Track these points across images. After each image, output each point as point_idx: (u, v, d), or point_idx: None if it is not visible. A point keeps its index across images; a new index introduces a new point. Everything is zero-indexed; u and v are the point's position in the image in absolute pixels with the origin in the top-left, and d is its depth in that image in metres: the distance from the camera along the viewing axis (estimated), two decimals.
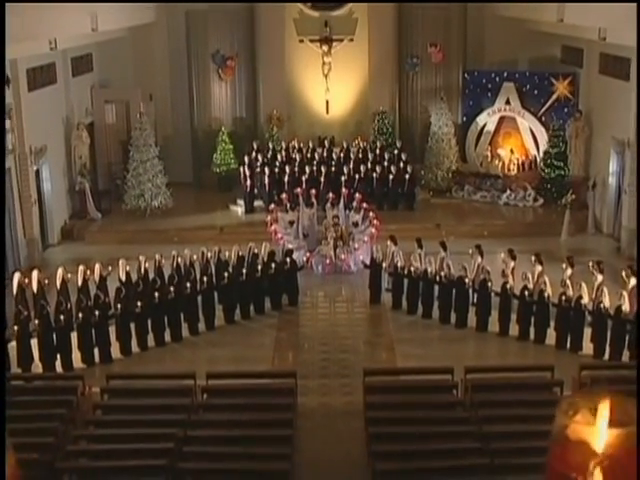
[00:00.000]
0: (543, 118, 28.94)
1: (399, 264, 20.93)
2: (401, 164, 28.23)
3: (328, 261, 23.19)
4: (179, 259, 20.68)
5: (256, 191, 27.93)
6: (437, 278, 20.22)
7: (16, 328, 17.61)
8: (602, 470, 1.33)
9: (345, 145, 29.51)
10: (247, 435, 13.63)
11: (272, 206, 25.33)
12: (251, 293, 20.49)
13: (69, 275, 19.84)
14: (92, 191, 27.71)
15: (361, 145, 29.56)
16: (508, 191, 28.55)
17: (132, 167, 27.22)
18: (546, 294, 18.84)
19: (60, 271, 19.87)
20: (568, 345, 18.34)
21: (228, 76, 30.64)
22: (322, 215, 24.33)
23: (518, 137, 29.68)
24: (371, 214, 24.12)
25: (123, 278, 19.85)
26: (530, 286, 19.14)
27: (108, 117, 29.51)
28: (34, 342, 17.69)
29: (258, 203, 27.71)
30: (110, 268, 20.23)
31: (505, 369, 16.62)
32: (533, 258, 20.17)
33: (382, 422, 14.29)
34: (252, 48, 30.72)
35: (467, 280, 19.86)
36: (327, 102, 30.54)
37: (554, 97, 28.72)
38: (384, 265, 21.38)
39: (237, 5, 30.05)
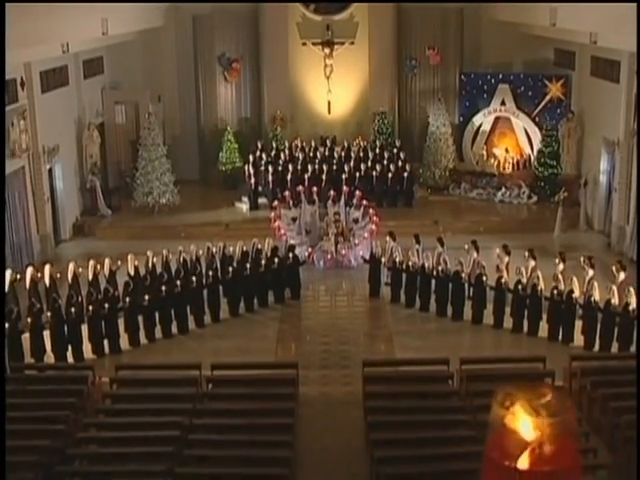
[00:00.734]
0: (537, 118, 28.91)
1: (397, 259, 20.94)
2: (400, 163, 28.21)
3: (329, 256, 23.20)
4: (185, 254, 20.72)
5: (260, 189, 27.92)
6: (434, 273, 20.23)
7: (29, 320, 17.64)
8: (533, 456, 1.36)
9: (346, 144, 29.51)
10: (250, 423, 13.64)
11: (275, 203, 25.30)
12: (255, 287, 20.50)
13: (80, 269, 19.89)
14: (102, 189, 27.73)
15: (361, 144, 29.56)
16: (503, 189, 28.54)
17: (141, 166, 27.22)
18: (539, 288, 18.85)
19: (71, 266, 19.92)
20: (560, 337, 18.35)
21: (233, 78, 30.64)
22: (324, 212, 24.33)
23: (513, 137, 29.65)
24: (371, 211, 24.14)
25: (132, 272, 19.91)
26: (524, 280, 19.14)
27: (118, 117, 29.50)
28: (46, 334, 17.71)
29: (262, 200, 27.69)
30: (119, 263, 20.27)
31: (499, 360, 16.61)
32: (527, 253, 20.19)
33: (380, 411, 14.30)
34: (257, 51, 30.70)
35: (463, 274, 19.88)
36: (329, 103, 30.53)
37: (547, 98, 28.68)
38: (383, 260, 21.40)
39: (242, 10, 30.06)
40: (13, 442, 13.05)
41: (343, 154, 29.00)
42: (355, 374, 16.14)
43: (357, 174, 27.66)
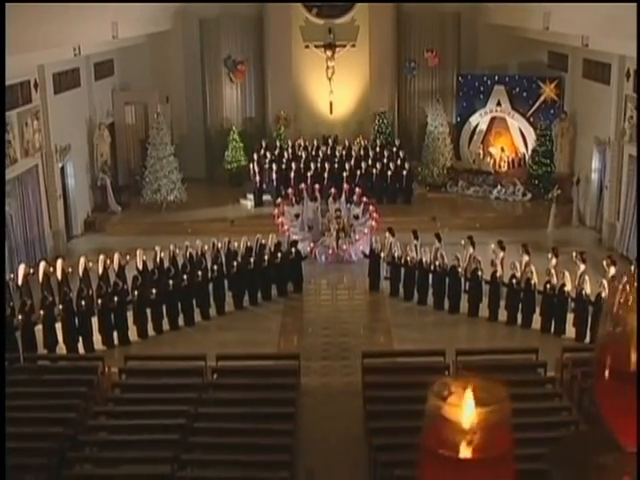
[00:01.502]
0: (531, 119, 28.88)
1: (396, 254, 20.96)
2: (399, 161, 28.19)
3: (331, 251, 23.22)
4: (191, 249, 20.76)
5: (264, 186, 27.92)
6: (432, 267, 20.24)
7: (42, 313, 17.69)
8: (470, 444, 1.39)
9: (347, 143, 29.47)
10: (253, 412, 13.69)
11: (279, 200, 25.34)
12: (259, 281, 20.53)
13: (90, 264, 19.92)
14: (113, 186, 27.75)
15: (362, 143, 29.52)
16: (499, 186, 28.52)
17: (150, 164, 27.23)
18: (532, 282, 18.87)
19: (82, 260, 19.97)
20: (552, 329, 18.38)
21: (239, 79, 30.65)
22: (325, 208, 24.36)
23: (508, 136, 29.63)
24: (371, 208, 24.12)
25: (140, 267, 19.94)
26: (518, 275, 19.16)
27: (128, 118, 29.50)
28: (58, 326, 17.77)
29: (266, 197, 27.68)
30: (128, 258, 20.31)
31: (493, 351, 16.65)
32: (521, 249, 20.21)
33: (379, 400, 14.35)
34: (261, 53, 30.67)
35: (459, 269, 19.89)
36: (331, 103, 30.50)
37: (541, 99, 28.66)
38: (382, 255, 21.40)
39: (248, 14, 30.05)
40: (27, 429, 13.17)
41: (344, 153, 28.98)
42: (355, 365, 16.17)
43: (358, 172, 27.63)
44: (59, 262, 19.98)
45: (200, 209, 27.24)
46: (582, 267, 18.94)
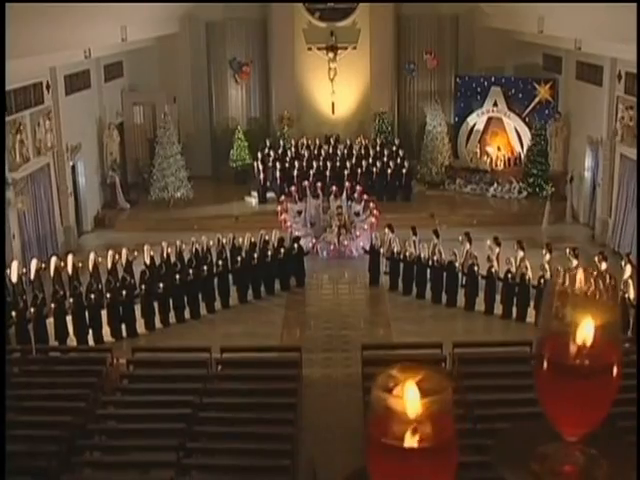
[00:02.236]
0: (527, 119, 28.86)
1: (396, 250, 20.97)
2: (399, 160, 28.19)
3: (332, 247, 23.24)
4: (197, 245, 20.78)
5: (268, 184, 27.93)
6: (430, 262, 20.25)
7: (53, 306, 17.73)
8: (414, 434, 1.42)
9: (349, 142, 29.48)
10: (256, 402, 13.70)
11: (282, 197, 25.35)
12: (262, 275, 20.54)
13: (100, 259, 19.95)
14: (122, 184, 27.78)
15: (363, 143, 29.52)
16: (495, 184, 28.51)
17: (157, 162, 27.24)
18: (527, 277, 18.88)
19: (92, 255, 20.00)
20: None
21: (244, 80, 30.66)
22: (327, 206, 24.34)
23: (504, 136, 29.61)
24: (371, 205, 24.15)
25: (148, 262, 19.96)
26: (513, 270, 19.17)
27: (136, 118, 29.53)
28: (69, 318, 17.82)
29: (270, 195, 27.67)
30: (136, 253, 20.34)
31: (489, 344, 16.64)
32: (516, 245, 20.21)
33: None
34: (265, 55, 30.67)
35: (457, 264, 19.91)
36: (333, 104, 30.48)
37: (536, 100, 28.63)
38: (382, 251, 21.42)
39: (252, 17, 30.05)
40: (38, 418, 13.23)
41: (346, 152, 28.98)
42: (355, 357, 16.16)
43: (359, 170, 27.63)
44: (69, 257, 20.02)
45: (206, 206, 27.25)
46: (575, 262, 18.93)
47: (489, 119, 29.83)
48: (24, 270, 19.12)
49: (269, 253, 20.85)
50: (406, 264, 20.64)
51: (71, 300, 17.97)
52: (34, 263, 19.36)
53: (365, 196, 24.55)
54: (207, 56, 30.59)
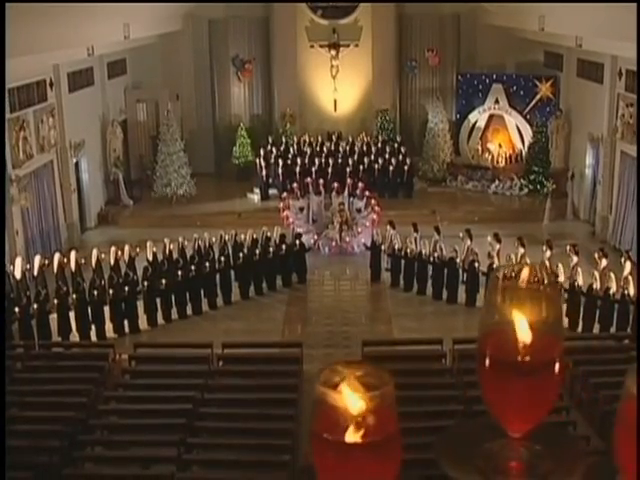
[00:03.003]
0: (528, 116, 28.81)
1: (397, 246, 20.97)
2: (401, 157, 28.18)
3: (334, 243, 23.24)
4: (200, 241, 20.78)
5: (271, 181, 27.93)
6: (431, 259, 20.26)
7: (56, 302, 17.77)
8: (357, 429, 1.42)
9: (351, 139, 29.44)
10: (257, 398, 13.72)
11: (284, 194, 25.35)
12: (264, 272, 20.54)
13: (103, 255, 19.98)
14: (125, 181, 27.79)
15: (365, 139, 29.50)
16: (497, 181, 28.49)
17: (160, 159, 27.25)
18: None
19: (95, 252, 20.02)
20: None
21: (246, 78, 30.64)
22: (329, 202, 24.28)
23: (506, 133, 29.57)
24: (373, 201, 24.10)
25: (150, 258, 19.96)
26: None
27: (139, 115, 29.53)
28: (72, 314, 17.85)
29: (272, 191, 27.66)
30: (138, 249, 20.35)
31: None
32: (516, 242, 20.20)
33: None
34: (268, 53, 30.66)
35: (458, 261, 19.90)
36: (335, 101, 30.47)
37: (538, 97, 28.59)
38: (383, 247, 21.42)
39: (255, 15, 30.02)
40: (41, 413, 13.25)
41: (348, 148, 28.96)
42: (356, 353, 16.13)
43: (361, 167, 27.63)
44: (73, 253, 20.05)
45: (209, 203, 27.25)
46: (575, 259, 18.93)
47: (490, 116, 29.78)
48: (27, 266, 19.15)
49: (271, 249, 20.85)
50: (407, 260, 20.64)
51: (74, 296, 17.99)
52: (37, 259, 19.38)
53: (367, 193, 24.51)
54: (210, 53, 30.58)
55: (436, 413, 13.34)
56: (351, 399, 1.41)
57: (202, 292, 19.38)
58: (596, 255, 19.32)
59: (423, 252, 20.42)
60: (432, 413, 13.29)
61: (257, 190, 28.05)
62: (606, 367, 13.95)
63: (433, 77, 31.00)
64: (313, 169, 27.27)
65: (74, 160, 24.62)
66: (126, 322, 18.23)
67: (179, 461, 11.87)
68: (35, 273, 19.05)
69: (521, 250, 19.76)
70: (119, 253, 19.88)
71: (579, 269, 18.38)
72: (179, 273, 19.11)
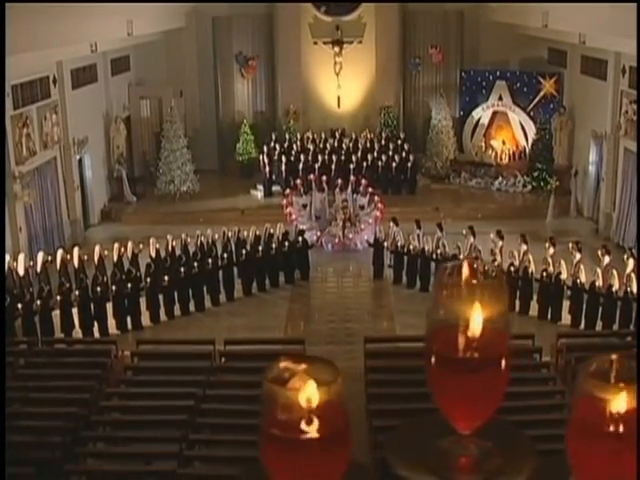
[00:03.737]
0: (531, 113, 28.78)
1: (399, 243, 20.97)
2: (404, 153, 28.15)
3: (337, 240, 23.24)
4: (203, 238, 20.79)
5: (274, 177, 27.93)
6: (433, 256, 20.24)
7: (59, 298, 17.79)
8: (308, 424, 1.43)
9: (354, 136, 29.44)
10: (259, 394, 13.67)
11: (288, 191, 25.36)
12: (267, 268, 20.54)
13: (105, 252, 20.01)
14: (128, 177, 27.81)
15: (368, 136, 29.49)
16: (500, 178, 28.46)
17: (164, 156, 27.28)
18: (530, 270, 18.86)
19: (97, 248, 20.06)
20: (549, 316, 18.36)
21: (250, 74, 30.64)
22: (332, 199, 24.31)
23: (509, 130, 29.53)
24: (376, 198, 24.11)
25: (153, 255, 19.99)
26: (516, 263, 19.15)
27: (143, 111, 29.54)
28: (75, 311, 17.87)
29: (276, 188, 27.67)
30: (141, 246, 20.37)
31: None
32: (519, 238, 20.19)
33: (380, 384, 14.36)
34: (271, 50, 30.65)
35: (460, 257, 19.85)
36: (338, 98, 30.46)
37: (541, 94, 28.55)
38: (386, 244, 21.41)
39: (258, 11, 30.02)
40: (43, 409, 13.28)
41: (351, 145, 28.96)
42: (358, 350, 16.16)
43: (364, 164, 27.62)
44: (76, 250, 20.09)
45: (212, 199, 27.24)
46: (578, 256, 18.92)
47: (494, 113, 29.74)
48: (31, 263, 19.19)
49: (274, 246, 20.85)
50: (410, 257, 20.63)
51: (77, 292, 18.01)
52: (40, 256, 19.43)
53: (370, 189, 24.53)
54: (213, 50, 30.58)
55: (436, 409, 13.30)
56: (301, 395, 1.41)
57: (205, 289, 19.37)
58: (599, 252, 19.31)
59: (426, 249, 20.42)
60: (432, 409, 13.24)
61: (260, 187, 28.05)
62: None
63: (436, 74, 30.96)
64: (316, 166, 27.26)
65: (77, 157, 24.64)
66: (129, 319, 18.24)
67: (181, 457, 11.90)
68: (38, 270, 19.10)
69: (524, 247, 19.75)
70: (122, 250, 19.91)
71: (582, 266, 18.36)
72: (182, 270, 19.11)
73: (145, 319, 18.45)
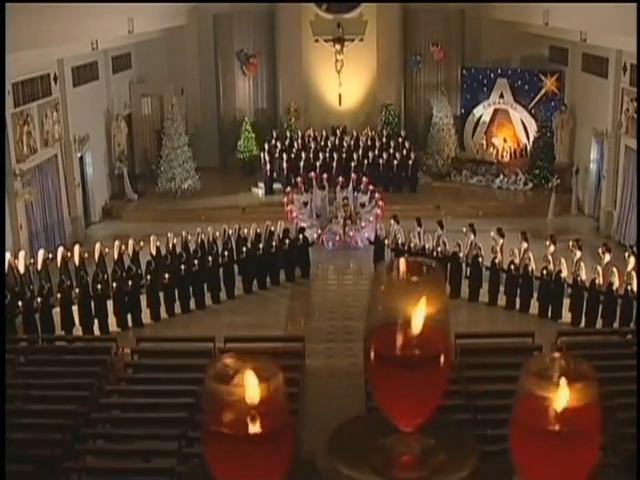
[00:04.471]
0: (533, 111, 28.78)
1: (400, 241, 20.97)
2: (405, 151, 28.16)
3: (338, 238, 23.23)
4: (203, 236, 20.79)
5: (275, 175, 27.93)
6: (434, 253, 20.22)
7: (59, 296, 17.79)
8: (252, 420, 1.42)
9: (355, 134, 29.43)
10: None
11: (289, 189, 25.35)
12: (267, 266, 20.52)
13: (106, 249, 20.01)
14: (129, 175, 27.81)
15: (369, 134, 29.49)
16: (501, 176, 28.46)
17: (165, 153, 27.29)
18: (530, 268, 18.85)
19: (98, 246, 20.07)
20: (549, 314, 18.35)
21: (251, 72, 30.62)
22: (333, 197, 24.33)
23: (510, 127, 29.52)
24: (377, 196, 24.13)
25: (154, 252, 19.98)
26: (516, 261, 19.14)
27: (144, 109, 29.53)
28: (75, 308, 17.86)
29: (277, 186, 27.67)
30: (142, 243, 20.37)
31: (492, 335, 16.62)
32: (520, 236, 20.18)
33: None
34: (273, 47, 30.64)
35: (461, 255, 19.88)
36: (339, 95, 30.46)
37: (542, 92, 28.54)
38: (387, 242, 21.41)
39: (259, 9, 30.01)
40: (44, 406, 13.27)
41: (352, 143, 28.96)
42: (358, 347, 16.08)
43: (365, 162, 27.63)
44: (76, 247, 20.09)
45: (213, 197, 27.25)
46: (578, 254, 18.90)
47: (495, 111, 29.73)
48: (31, 260, 19.20)
49: (274, 244, 20.84)
50: (410, 255, 20.59)
51: (77, 290, 18.02)
52: (41, 253, 19.43)
53: (371, 187, 24.53)
54: (214, 48, 30.57)
55: (436, 407, 13.31)
56: (243, 391, 1.41)
57: (205, 286, 19.36)
58: (600, 250, 19.30)
59: (426, 247, 20.42)
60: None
61: (261, 184, 28.05)
62: (607, 362, 13.93)
63: (438, 72, 30.93)
64: (317, 163, 27.26)
65: (78, 154, 24.64)
66: (129, 316, 18.23)
67: (180, 454, 11.90)
68: (39, 267, 19.09)
69: (524, 245, 19.74)
70: (123, 247, 19.91)
71: (582, 264, 18.34)
72: (182, 267, 19.10)
73: (145, 317, 18.44)
